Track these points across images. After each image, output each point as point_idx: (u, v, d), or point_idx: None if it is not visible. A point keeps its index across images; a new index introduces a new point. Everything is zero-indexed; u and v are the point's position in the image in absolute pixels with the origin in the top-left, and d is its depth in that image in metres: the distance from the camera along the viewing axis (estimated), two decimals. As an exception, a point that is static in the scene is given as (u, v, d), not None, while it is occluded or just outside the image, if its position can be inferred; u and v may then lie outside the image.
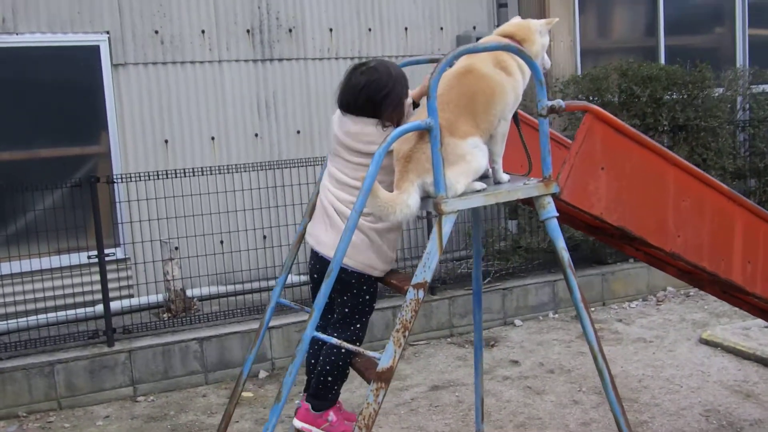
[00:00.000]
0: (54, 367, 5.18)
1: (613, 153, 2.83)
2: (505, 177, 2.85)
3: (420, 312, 6.11)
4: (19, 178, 5.60)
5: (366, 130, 2.85)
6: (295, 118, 6.80)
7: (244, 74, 6.59)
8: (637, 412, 4.58)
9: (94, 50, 6.02)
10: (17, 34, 5.79)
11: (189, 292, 6.17)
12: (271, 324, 5.75)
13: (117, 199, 6.02)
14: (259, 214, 6.29)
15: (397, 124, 2.80)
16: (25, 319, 5.53)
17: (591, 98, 6.91)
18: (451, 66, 2.78)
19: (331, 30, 6.87)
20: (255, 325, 5.67)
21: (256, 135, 6.69)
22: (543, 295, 6.58)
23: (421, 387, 5.23)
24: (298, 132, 6.80)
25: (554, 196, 2.76)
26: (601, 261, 6.85)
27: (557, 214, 2.75)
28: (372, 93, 2.85)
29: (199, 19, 6.37)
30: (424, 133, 2.57)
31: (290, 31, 6.71)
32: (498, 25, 7.35)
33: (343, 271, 2.93)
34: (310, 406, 3.05)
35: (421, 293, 2.57)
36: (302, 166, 6.18)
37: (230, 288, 6.36)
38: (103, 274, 5.35)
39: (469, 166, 2.62)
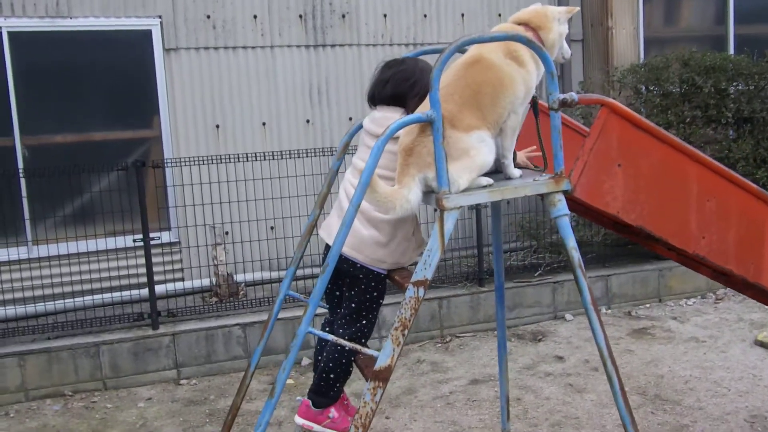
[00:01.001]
0: (99, 348, 5.32)
1: (630, 149, 2.68)
2: (516, 172, 2.73)
3: (467, 304, 6.03)
4: (72, 160, 5.76)
5: (390, 116, 2.80)
6: (348, 105, 6.77)
7: (297, 60, 6.59)
8: (679, 415, 4.38)
9: (147, 34, 6.14)
10: (71, 18, 5.95)
11: (238, 277, 6.25)
12: (318, 311, 5.76)
13: (167, 183, 6.14)
14: (310, 201, 6.30)
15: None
16: (72, 300, 5.72)
17: (651, 88, 6.62)
18: (463, 53, 2.69)
19: (385, 16, 6.80)
20: (299, 312, 5.69)
21: (308, 121, 6.69)
22: (596, 290, 6.36)
23: (462, 380, 5.15)
24: (350, 119, 6.77)
25: (566, 193, 2.63)
26: (659, 256, 6.54)
27: (568, 213, 2.62)
28: (398, 83, 2.86)
29: (252, 5, 6.40)
30: (427, 125, 2.48)
31: (343, 16, 6.67)
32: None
33: (352, 266, 2.90)
34: (311, 403, 3.02)
35: (421, 291, 2.50)
36: (354, 153, 6.12)
37: (279, 274, 6.40)
38: (148, 257, 5.46)
39: (473, 161, 2.52)
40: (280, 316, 5.57)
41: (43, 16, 5.89)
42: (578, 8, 2.97)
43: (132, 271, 5.94)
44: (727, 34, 7.68)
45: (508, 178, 2.72)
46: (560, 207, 2.60)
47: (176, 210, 6.17)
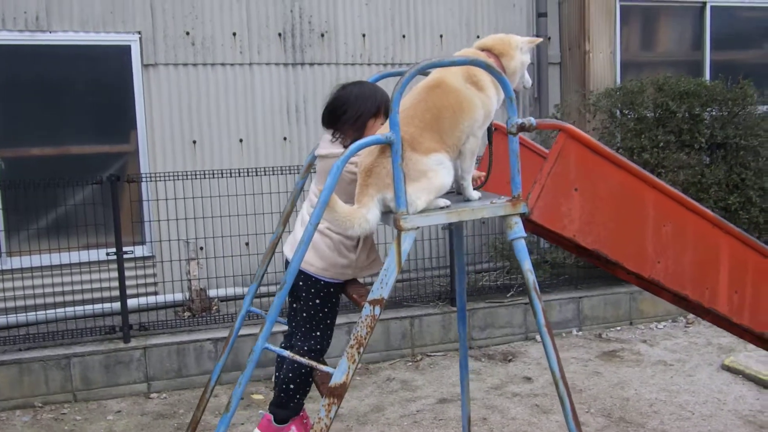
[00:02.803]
0: (70, 360, 5.30)
1: (587, 174, 2.73)
2: (474, 195, 2.78)
3: (439, 323, 6.06)
4: (49, 173, 5.76)
5: (324, 138, 2.95)
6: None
7: (275, 78, 6.64)
8: (643, 438, 4.43)
9: (126, 50, 6.17)
10: (50, 32, 5.97)
11: (212, 293, 6.26)
12: (285, 328, 5.79)
13: (143, 198, 6.15)
14: (284, 217, 6.33)
15: (354, 140, 2.80)
16: (45, 312, 5.71)
17: (625, 113, 6.72)
18: (426, 75, 2.76)
19: (364, 35, 6.87)
20: (274, 329, 5.70)
21: (285, 138, 6.74)
22: (567, 312, 6.42)
23: (430, 399, 5.17)
24: (328, 136, 6.81)
25: (524, 216, 2.68)
26: (631, 279, 6.63)
27: (524, 235, 2.67)
28: (334, 107, 2.96)
29: (231, 22, 6.45)
30: (387, 147, 2.53)
31: (323, 35, 6.74)
32: (537, 34, 7.37)
33: (298, 274, 2.98)
34: (272, 417, 3.06)
35: (377, 310, 2.53)
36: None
37: (263, 289, 6.39)
38: (120, 271, 5.46)
39: (431, 183, 2.57)
40: (246, 332, 5.64)
41: (22, 29, 5.91)
42: (541, 39, 3.06)
43: (105, 285, 5.94)
44: (704, 60, 7.82)
45: (467, 199, 2.77)
46: (516, 230, 2.65)
47: (151, 224, 6.18)
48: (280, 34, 6.60)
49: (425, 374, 5.66)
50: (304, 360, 2.74)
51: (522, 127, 2.62)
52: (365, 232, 2.59)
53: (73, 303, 5.80)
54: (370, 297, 2.53)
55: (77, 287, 5.86)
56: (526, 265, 2.64)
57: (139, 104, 6.24)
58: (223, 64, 6.46)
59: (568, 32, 7.52)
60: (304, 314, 3.05)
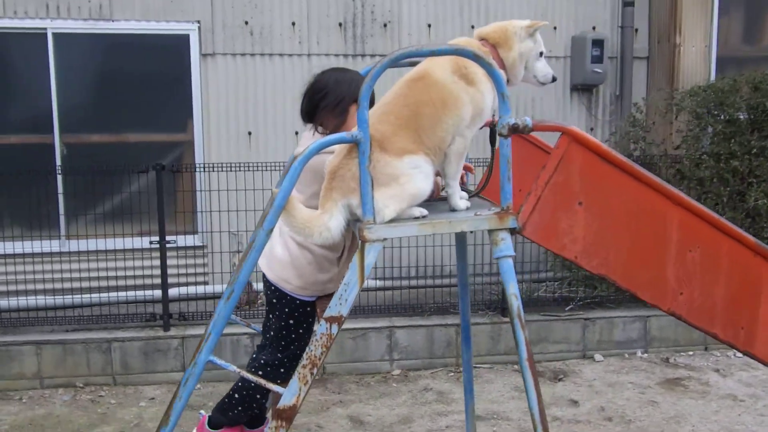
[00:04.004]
0: (111, 344, 5.34)
1: (595, 185, 2.35)
2: (461, 204, 2.45)
3: (487, 333, 5.71)
4: (107, 160, 5.81)
5: (304, 136, 2.67)
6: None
7: (335, 68, 6.42)
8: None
9: (184, 39, 6.13)
10: (113, 21, 6.00)
11: (260, 286, 6.13)
12: (326, 328, 5.61)
13: (196, 188, 6.09)
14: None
15: (334, 130, 2.53)
16: (97, 295, 5.76)
17: (714, 114, 6.09)
18: (406, 68, 2.46)
19: (429, 26, 6.56)
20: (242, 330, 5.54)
21: (343, 132, 6.52)
22: (632, 331, 5.90)
23: (463, 415, 4.80)
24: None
25: (514, 231, 2.33)
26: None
27: (513, 254, 2.32)
28: (311, 96, 2.71)
29: (290, 11, 6.30)
30: (354, 146, 2.25)
31: (385, 25, 6.47)
32: (622, 27, 6.82)
33: (269, 288, 2.77)
34: (207, 419, 2.87)
35: (334, 328, 2.27)
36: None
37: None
38: (162, 259, 5.43)
39: (403, 189, 2.27)
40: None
41: (86, 18, 5.97)
42: (545, 22, 2.63)
43: (155, 272, 5.92)
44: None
45: (453, 209, 2.45)
46: (503, 247, 2.31)
47: (203, 215, 6.11)
48: (340, 24, 6.39)
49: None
50: (251, 376, 2.50)
51: (515, 129, 2.27)
52: (327, 241, 2.32)
53: (125, 288, 5.87)
54: (327, 314, 2.27)
55: (129, 273, 5.90)
56: (512, 289, 2.30)
57: (196, 94, 6.19)
58: (281, 55, 6.32)
59: (658, 23, 6.90)
60: (272, 332, 2.81)
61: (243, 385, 2.87)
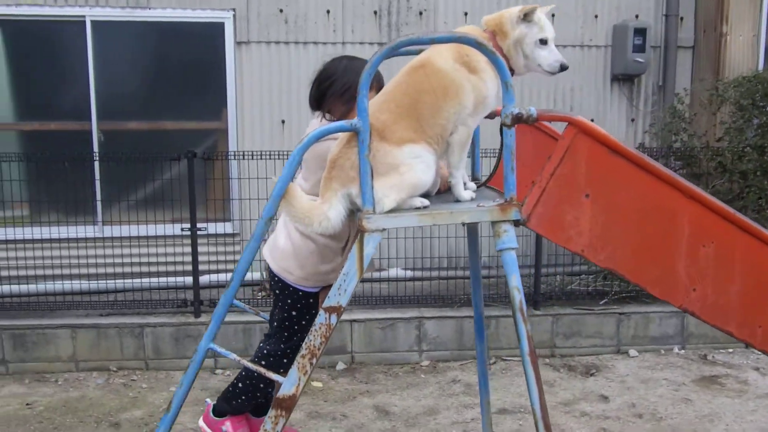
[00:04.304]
0: (143, 329, 5.41)
1: (603, 177, 2.27)
2: (465, 195, 2.40)
3: (518, 325, 5.61)
4: (143, 147, 5.89)
5: (313, 122, 2.64)
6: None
7: (368, 57, 6.39)
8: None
9: (219, 27, 6.16)
10: (150, 8, 6.06)
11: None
12: (354, 317, 5.61)
13: (231, 176, 6.14)
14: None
15: (341, 117, 2.50)
16: (131, 281, 5.86)
17: (760, 106, 5.87)
18: (410, 57, 2.41)
19: (466, 14, 6.47)
20: (343, 316, 5.53)
21: (378, 121, 6.49)
22: (668, 326, 5.74)
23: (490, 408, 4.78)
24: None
25: (518, 224, 2.28)
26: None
27: (516, 246, 2.27)
28: (319, 83, 2.68)
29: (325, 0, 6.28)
30: (354, 135, 2.22)
31: (420, 13, 6.41)
32: (666, 15, 6.61)
33: (272, 278, 2.76)
34: (212, 407, 2.88)
35: (333, 318, 2.26)
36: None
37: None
38: (194, 246, 5.48)
39: (403, 179, 2.23)
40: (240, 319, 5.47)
41: (124, 6, 6.05)
42: (536, 6, 2.45)
43: (187, 259, 5.98)
44: None
45: (456, 200, 2.40)
46: (506, 239, 2.26)
47: (238, 202, 6.16)
48: (375, 12, 6.35)
49: (494, 379, 5.24)
50: (252, 366, 2.50)
51: (518, 118, 2.21)
52: (327, 231, 2.30)
53: (157, 274, 5.94)
54: (326, 304, 2.26)
55: (162, 259, 5.97)
56: (514, 281, 2.24)
57: (231, 82, 6.23)
58: (315, 43, 6.31)
59: (704, 12, 6.67)
60: (279, 321, 2.81)
61: (247, 374, 2.88)
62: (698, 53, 6.82)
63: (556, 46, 6.44)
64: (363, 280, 6.03)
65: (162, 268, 5.93)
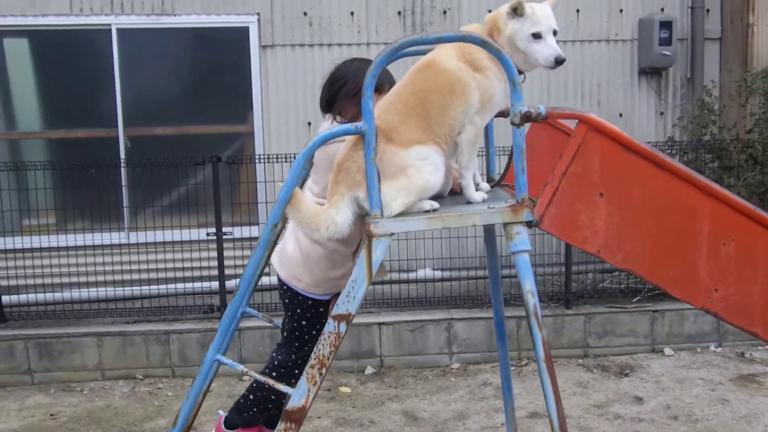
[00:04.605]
0: (170, 336, 5.42)
1: (617, 175, 2.20)
2: (476, 196, 2.34)
3: (550, 326, 5.53)
4: (169, 153, 5.91)
5: (324, 125, 2.60)
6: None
7: (393, 58, 6.35)
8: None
9: (244, 31, 6.19)
10: (175, 15, 6.11)
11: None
12: (382, 320, 5.57)
13: (258, 179, 6.15)
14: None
15: (353, 119, 2.46)
16: (157, 287, 5.88)
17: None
18: (417, 57, 2.36)
19: (490, 11, 6.36)
20: (371, 319, 5.51)
21: (403, 121, 6.44)
22: (704, 324, 5.60)
23: (521, 411, 4.70)
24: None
25: (531, 225, 2.22)
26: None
27: (529, 248, 2.21)
28: (330, 85, 2.64)
29: (349, 1, 6.26)
30: (361, 138, 2.18)
31: (445, 12, 6.35)
32: (692, 7, 6.46)
33: (281, 287, 2.72)
34: (223, 419, 2.85)
35: (342, 327, 2.21)
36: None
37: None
38: (219, 251, 5.49)
39: (411, 181, 2.18)
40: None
41: (149, 13, 6.11)
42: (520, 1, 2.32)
43: (213, 264, 6.01)
44: None
45: (468, 201, 2.34)
46: (518, 241, 2.20)
47: (265, 206, 6.17)
48: (399, 12, 6.31)
49: (526, 381, 5.17)
50: (261, 377, 2.47)
51: (527, 117, 2.15)
52: (335, 236, 2.26)
53: (183, 279, 5.95)
54: (335, 312, 2.22)
55: (188, 264, 5.99)
56: (527, 286, 2.18)
57: (256, 85, 6.24)
58: (339, 45, 6.29)
59: (730, 3, 6.51)
60: (289, 331, 2.77)
61: (258, 385, 2.85)
62: (726, 44, 6.65)
63: (582, 41, 6.36)
64: (391, 282, 6.08)
65: (188, 274, 5.95)
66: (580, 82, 6.53)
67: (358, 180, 2.20)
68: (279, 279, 2.85)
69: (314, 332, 2.80)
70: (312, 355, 2.23)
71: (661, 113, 6.62)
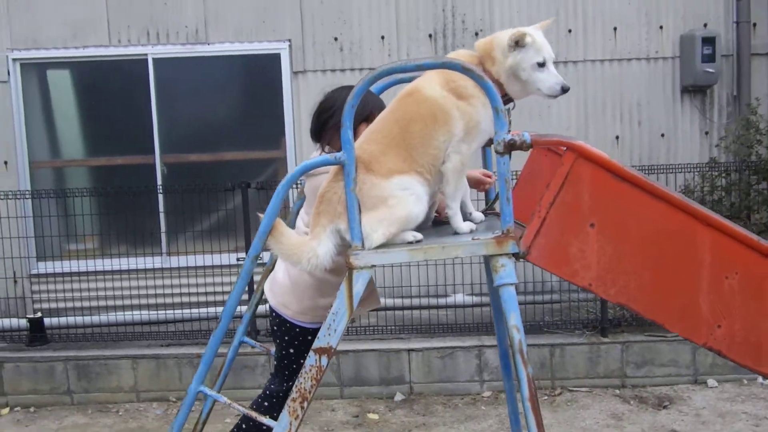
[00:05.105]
0: (192, 361, 5.45)
1: (608, 205, 2.10)
2: (463, 226, 2.26)
3: (585, 354, 5.37)
4: (204, 179, 6.00)
5: (312, 156, 2.56)
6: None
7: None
8: None
9: (276, 58, 6.24)
10: (209, 44, 6.20)
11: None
12: (412, 346, 5.48)
13: (290, 204, 6.16)
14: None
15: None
16: (181, 311, 5.94)
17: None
18: (400, 86, 2.31)
19: (524, 32, 6.28)
20: (401, 345, 5.44)
21: (437, 144, 6.38)
22: (750, 353, 5.32)
23: (551, 443, 4.56)
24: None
25: (518, 257, 2.13)
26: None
27: (515, 281, 2.12)
28: (318, 115, 2.60)
29: (379, 25, 6.26)
30: (342, 169, 2.14)
31: (476, 34, 6.29)
32: (737, 22, 6.24)
33: (271, 313, 2.70)
34: None
35: (324, 360, 2.16)
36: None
37: (397, 302, 6.16)
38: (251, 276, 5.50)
39: (392, 212, 2.12)
40: (373, 347, 5.36)
41: (184, 42, 6.22)
42: (526, 30, 2.27)
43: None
44: None
45: (455, 232, 2.27)
46: (503, 274, 2.11)
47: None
48: (430, 35, 6.27)
49: (558, 412, 5.01)
50: (243, 410, 2.43)
51: (512, 145, 2.07)
52: (316, 268, 2.21)
53: (215, 303, 5.99)
54: (316, 345, 2.17)
55: (218, 288, 6.03)
56: (513, 320, 2.09)
57: (288, 111, 6.28)
58: (370, 69, 6.23)
59: (778, 16, 6.26)
60: (278, 359, 2.73)
61: (242, 420, 2.81)
62: (775, 61, 6.39)
63: (620, 59, 6.19)
64: (420, 308, 5.99)
65: (219, 298, 5.99)
66: (618, 102, 6.36)
67: (339, 211, 2.16)
68: (269, 306, 2.83)
69: (302, 361, 2.76)
70: (294, 387, 2.18)
71: (706, 132, 6.39)
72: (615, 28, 6.31)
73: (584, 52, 6.30)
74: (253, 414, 2.43)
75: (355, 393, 5.42)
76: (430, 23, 6.26)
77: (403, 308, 6.05)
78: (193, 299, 5.98)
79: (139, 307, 5.97)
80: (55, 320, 5.92)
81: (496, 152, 2.08)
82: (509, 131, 2.12)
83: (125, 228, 6.02)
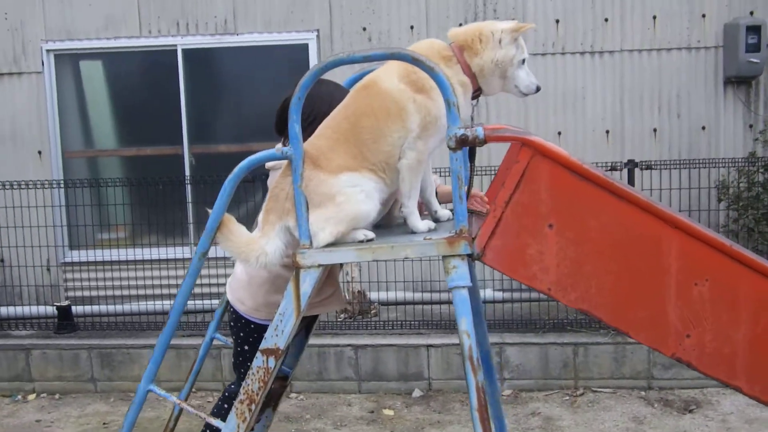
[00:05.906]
0: (221, 351, 5.48)
1: (568, 205, 1.97)
2: (421, 225, 2.16)
3: (609, 354, 5.19)
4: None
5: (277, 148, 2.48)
6: (509, 119, 6.21)
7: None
8: None
9: (304, 48, 6.20)
10: (237, 34, 6.21)
11: (374, 295, 6.05)
12: (430, 342, 5.40)
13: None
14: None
15: None
16: (202, 301, 5.96)
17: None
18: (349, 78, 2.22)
19: (557, 21, 6.09)
20: (420, 341, 5.36)
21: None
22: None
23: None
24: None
25: (472, 258, 2.02)
26: None
27: (468, 284, 2.01)
28: (282, 111, 2.52)
29: (408, 15, 6.15)
30: (290, 164, 2.06)
31: (508, 23, 6.10)
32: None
33: (228, 309, 2.66)
34: None
35: (271, 361, 2.11)
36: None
37: (417, 296, 6.08)
38: (271, 267, 5.50)
39: (340, 210, 2.04)
40: (393, 342, 5.30)
41: (213, 33, 6.24)
42: (533, 24, 2.28)
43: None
44: None
45: (412, 231, 2.17)
46: (455, 276, 2.01)
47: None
48: (460, 25, 6.09)
49: (578, 413, 4.85)
50: (193, 411, 2.38)
51: (464, 141, 1.96)
52: (265, 266, 2.15)
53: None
54: (263, 346, 2.11)
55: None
56: (463, 325, 1.98)
57: (315, 101, 6.22)
58: (399, 59, 6.17)
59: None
60: (234, 356, 2.69)
61: (216, 413, 2.77)
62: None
63: (660, 49, 5.96)
64: (440, 303, 5.88)
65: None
66: (657, 94, 6.10)
67: (287, 208, 2.09)
68: (227, 301, 2.79)
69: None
70: (241, 389, 2.13)
71: (750, 126, 6.07)
72: (654, 17, 6.04)
73: (621, 42, 6.05)
74: (203, 415, 2.39)
75: (373, 388, 5.37)
76: (461, 12, 6.12)
77: (423, 303, 5.96)
78: (222, 290, 6.00)
79: (169, 297, 6.02)
80: (82, 308, 6.04)
81: (449, 148, 1.98)
82: (481, 125, 2.02)
83: (155, 218, 6.08)
